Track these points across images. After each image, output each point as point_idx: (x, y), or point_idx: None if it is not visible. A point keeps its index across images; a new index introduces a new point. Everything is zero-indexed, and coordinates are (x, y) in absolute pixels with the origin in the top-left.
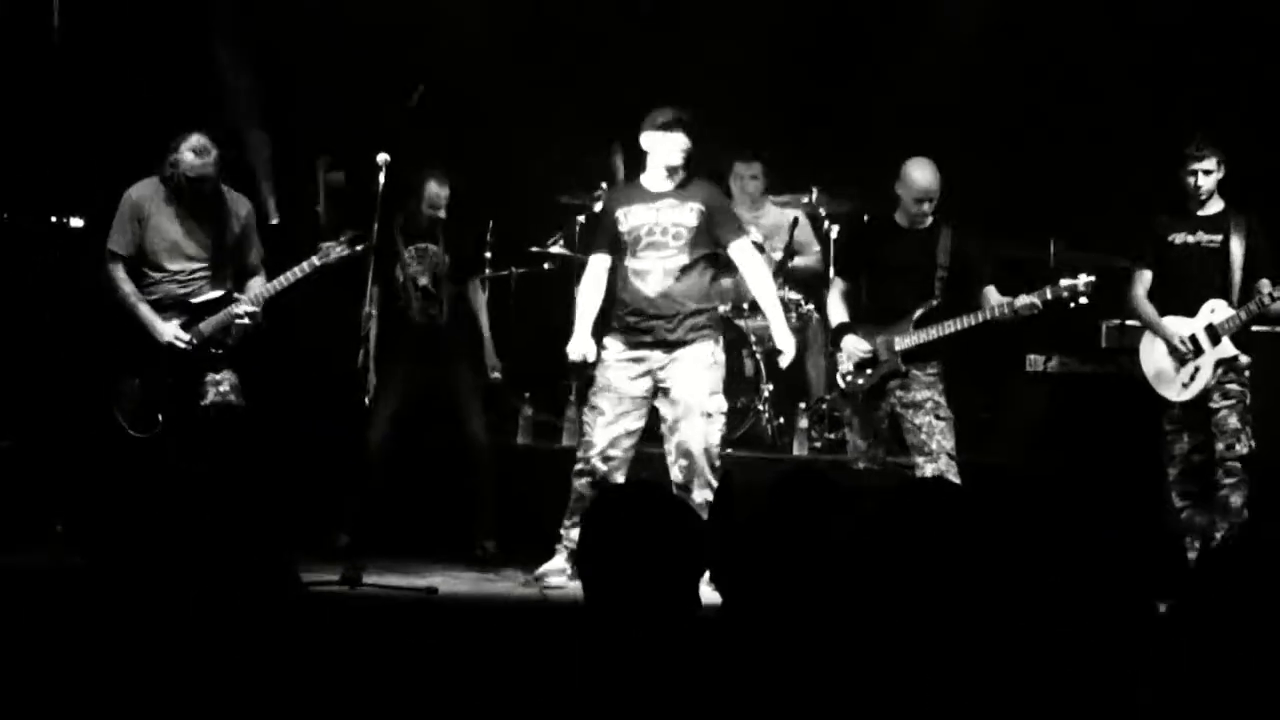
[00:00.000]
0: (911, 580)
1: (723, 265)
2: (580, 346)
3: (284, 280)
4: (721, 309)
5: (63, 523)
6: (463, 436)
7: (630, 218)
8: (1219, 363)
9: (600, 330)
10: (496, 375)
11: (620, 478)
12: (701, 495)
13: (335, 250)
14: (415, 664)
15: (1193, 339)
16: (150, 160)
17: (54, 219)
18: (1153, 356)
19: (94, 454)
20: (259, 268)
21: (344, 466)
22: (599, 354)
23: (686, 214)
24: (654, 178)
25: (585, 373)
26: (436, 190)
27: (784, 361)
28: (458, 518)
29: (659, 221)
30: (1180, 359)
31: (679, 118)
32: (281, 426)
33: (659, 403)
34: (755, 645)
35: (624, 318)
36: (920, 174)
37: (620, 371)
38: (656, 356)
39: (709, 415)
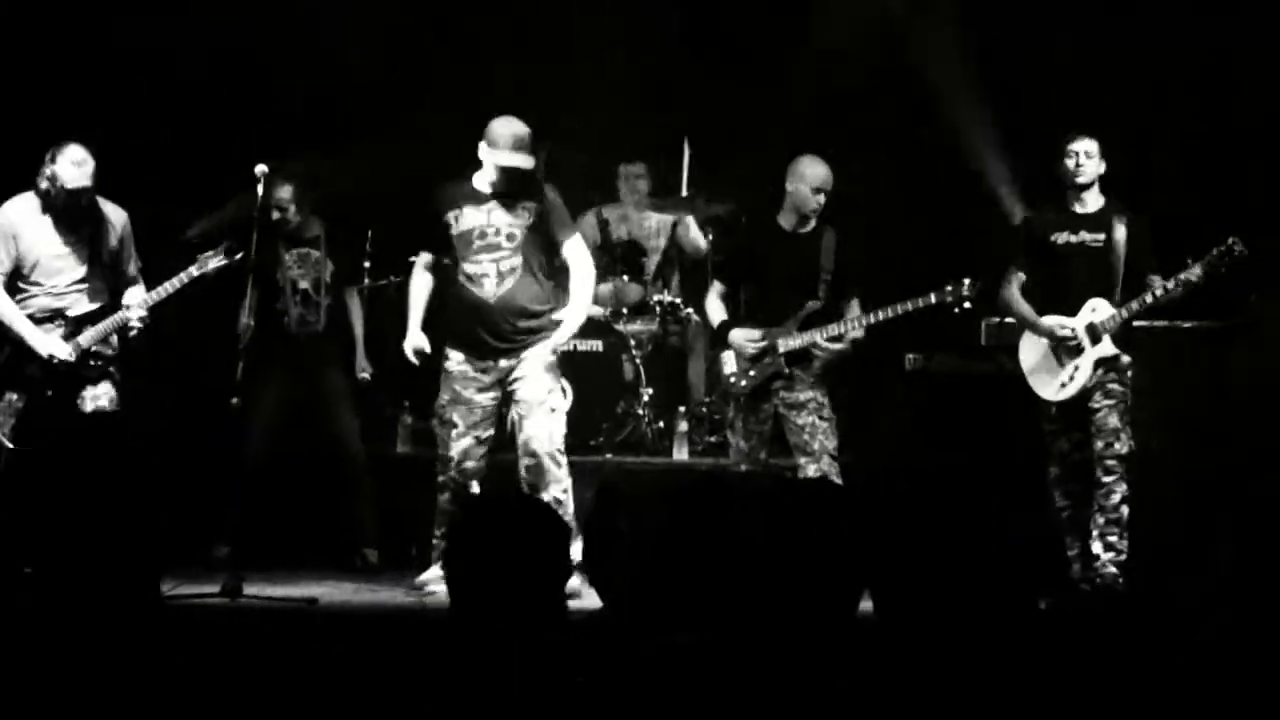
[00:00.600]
0: (798, 581)
1: (601, 271)
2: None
3: (163, 290)
4: (600, 313)
5: None
6: (338, 445)
7: (463, 220)
8: (1099, 362)
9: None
10: (365, 376)
11: (476, 487)
12: (550, 494)
13: (212, 261)
14: (296, 674)
15: (1072, 338)
16: (21, 175)
17: None
18: (1031, 356)
19: None
20: (137, 278)
21: (222, 477)
22: (443, 365)
23: (520, 215)
24: (484, 179)
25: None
26: (274, 192)
27: (556, 338)
28: (338, 527)
29: (491, 223)
30: (1059, 356)
31: (523, 141)
32: (159, 436)
33: (512, 406)
34: (642, 649)
35: (462, 326)
36: (816, 167)
37: (469, 382)
38: (502, 364)
39: (552, 411)
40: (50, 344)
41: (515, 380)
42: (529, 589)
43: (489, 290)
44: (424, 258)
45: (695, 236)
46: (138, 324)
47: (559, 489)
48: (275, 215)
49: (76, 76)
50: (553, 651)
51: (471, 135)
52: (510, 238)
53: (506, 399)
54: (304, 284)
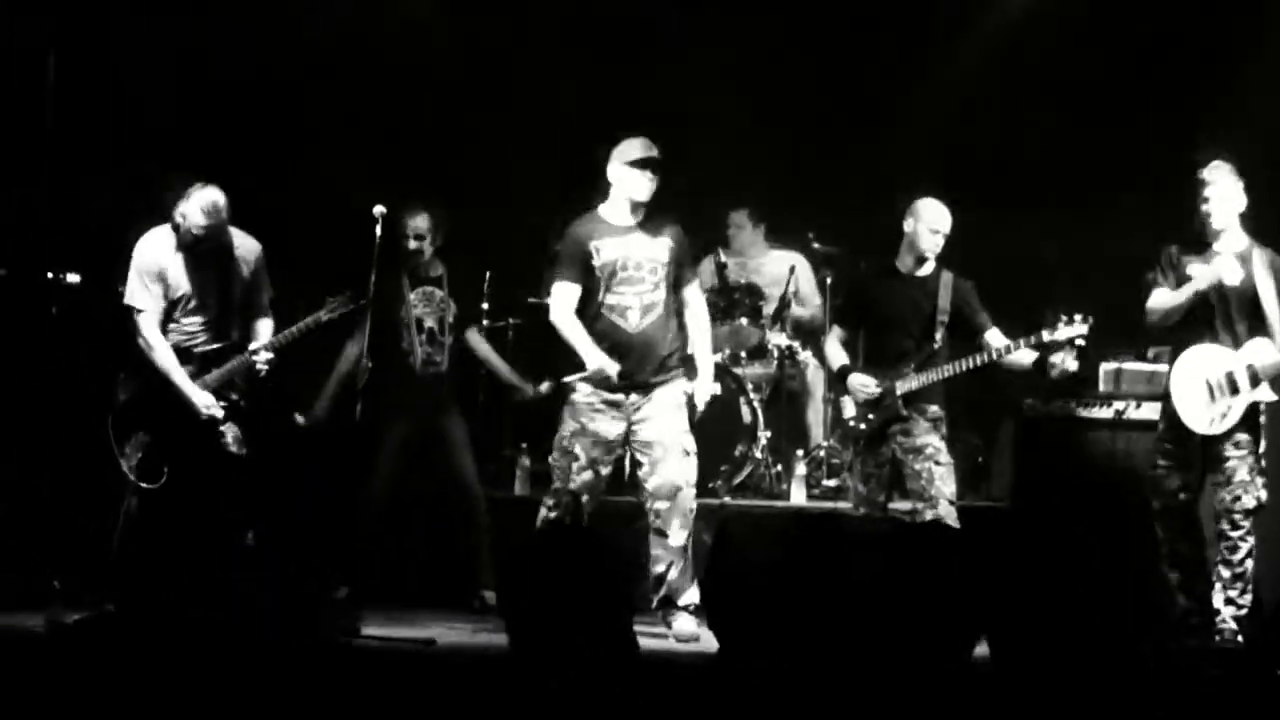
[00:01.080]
0: (912, 624)
1: (718, 314)
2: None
3: (292, 333)
4: (717, 358)
5: (61, 580)
6: (458, 486)
7: (604, 251)
8: (1251, 406)
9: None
10: (544, 387)
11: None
12: (680, 537)
13: (340, 306)
14: (413, 716)
15: (1229, 376)
16: (149, 212)
17: (50, 274)
18: (1186, 382)
19: (95, 508)
20: (267, 309)
21: (343, 517)
22: (569, 397)
23: (659, 249)
24: (618, 211)
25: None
26: (408, 221)
27: (700, 400)
28: (455, 568)
29: (631, 255)
30: (1213, 391)
31: (651, 157)
32: (284, 478)
33: (634, 445)
34: (755, 689)
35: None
36: (935, 208)
37: (596, 414)
38: (633, 398)
39: (685, 453)
40: (203, 398)
41: (642, 420)
42: (591, 624)
43: (633, 323)
44: (570, 289)
45: (809, 293)
46: (264, 366)
47: (687, 534)
48: (412, 245)
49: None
50: (620, 687)
51: (582, 179)
52: (653, 271)
53: (629, 437)
54: (430, 323)
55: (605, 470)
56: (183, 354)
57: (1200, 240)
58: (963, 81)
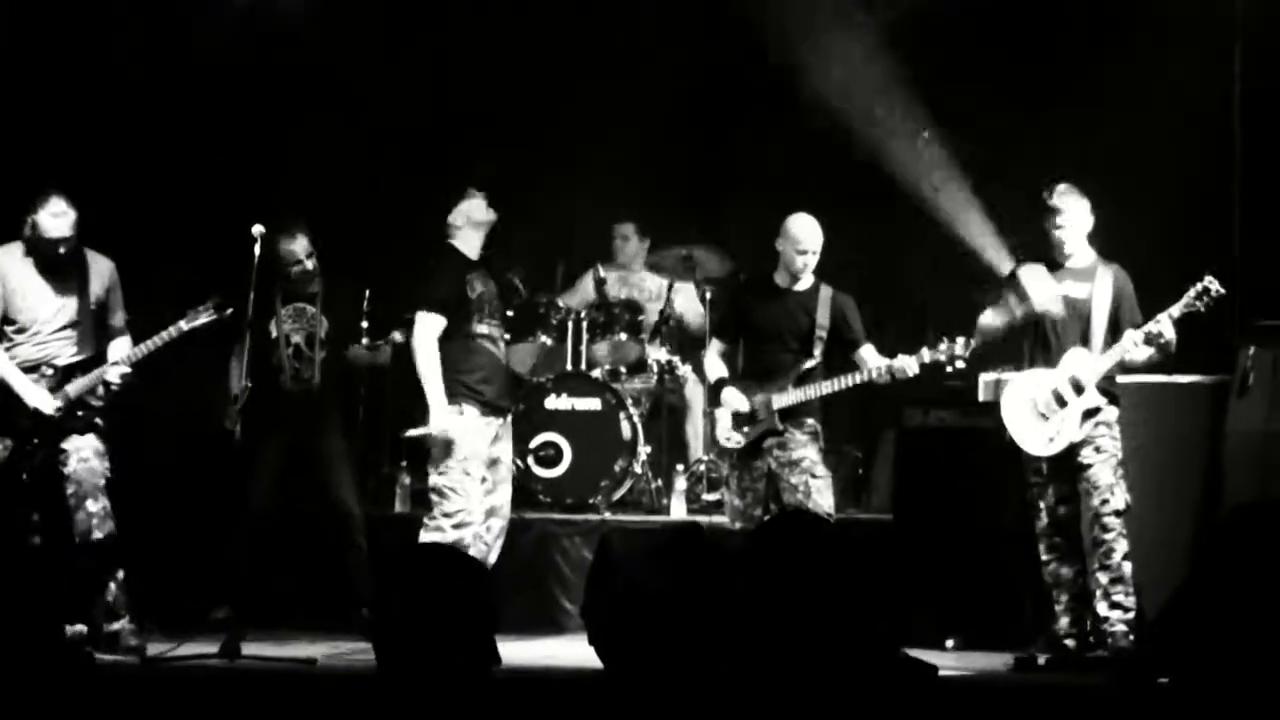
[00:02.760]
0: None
1: (598, 329)
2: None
3: (149, 345)
4: (596, 374)
5: None
6: (334, 505)
7: (476, 284)
8: (1086, 413)
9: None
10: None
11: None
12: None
13: (202, 315)
14: None
15: (1055, 393)
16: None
17: None
18: (1015, 410)
19: None
20: (124, 330)
21: (222, 537)
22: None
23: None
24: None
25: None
26: (287, 246)
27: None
28: (335, 587)
29: (489, 289)
30: (1043, 410)
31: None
32: (156, 494)
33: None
34: (641, 707)
35: (481, 386)
36: (803, 227)
37: (489, 438)
38: (500, 421)
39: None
40: (37, 396)
41: (497, 440)
42: (454, 638)
43: (501, 351)
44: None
45: (692, 310)
46: (118, 380)
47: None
48: (295, 270)
49: (70, 121)
50: (483, 700)
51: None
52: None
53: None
54: (297, 338)
55: (507, 489)
56: (40, 365)
57: (1050, 260)
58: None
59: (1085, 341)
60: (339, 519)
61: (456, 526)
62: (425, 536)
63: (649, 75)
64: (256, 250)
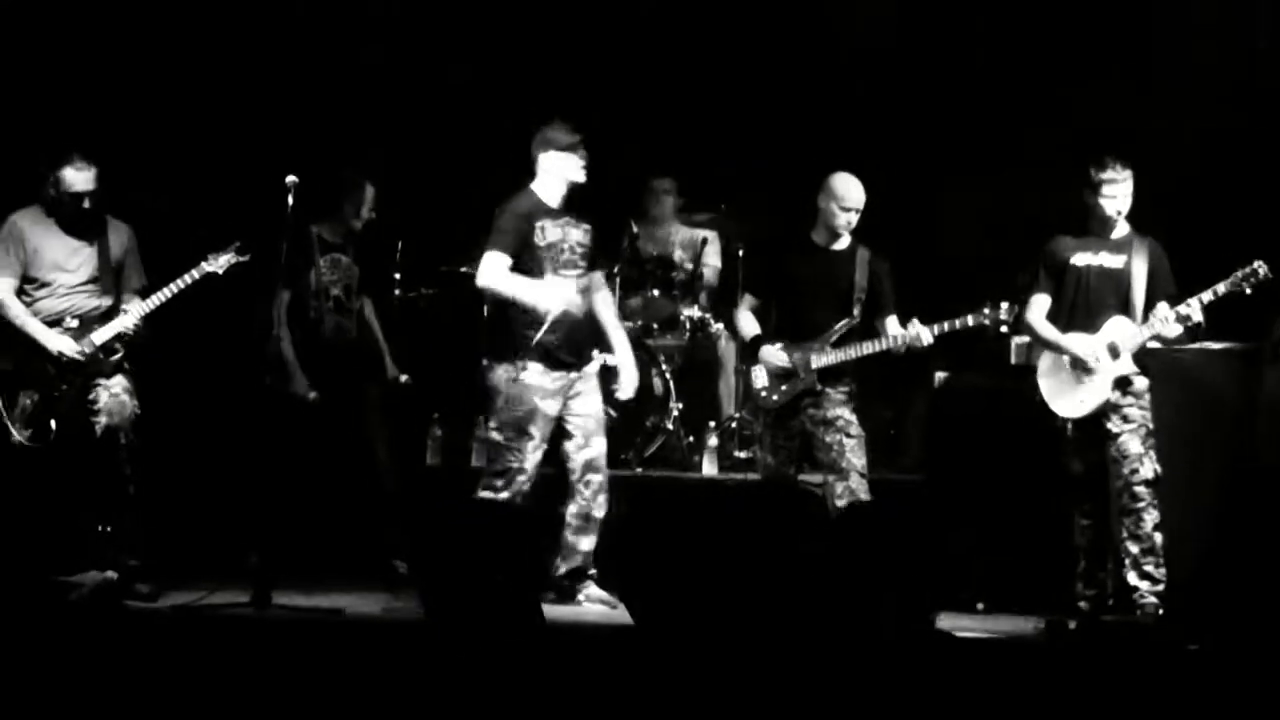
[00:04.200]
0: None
1: (630, 285)
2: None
3: (172, 289)
4: (629, 328)
5: None
6: (367, 457)
7: (547, 233)
8: (1117, 380)
9: (504, 351)
10: (405, 377)
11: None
12: (603, 510)
13: (223, 257)
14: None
15: (1093, 356)
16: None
17: None
18: (1050, 375)
19: None
20: (142, 293)
21: (256, 486)
22: (516, 376)
23: (584, 234)
24: (553, 195)
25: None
26: (372, 194)
27: (623, 394)
28: (367, 538)
29: (566, 239)
30: (1078, 374)
31: (581, 139)
32: (188, 442)
33: (567, 421)
34: (673, 658)
35: (545, 339)
36: (847, 185)
37: (547, 396)
38: (571, 376)
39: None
40: (60, 341)
41: (576, 396)
42: (500, 593)
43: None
44: (504, 260)
45: (712, 266)
46: (133, 327)
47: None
48: (363, 219)
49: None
50: (528, 654)
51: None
52: (584, 255)
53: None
54: (336, 290)
55: (544, 448)
56: (63, 318)
57: (1085, 230)
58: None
59: (1124, 310)
60: (372, 470)
61: (506, 485)
62: (479, 493)
63: (681, 27)
64: (290, 200)
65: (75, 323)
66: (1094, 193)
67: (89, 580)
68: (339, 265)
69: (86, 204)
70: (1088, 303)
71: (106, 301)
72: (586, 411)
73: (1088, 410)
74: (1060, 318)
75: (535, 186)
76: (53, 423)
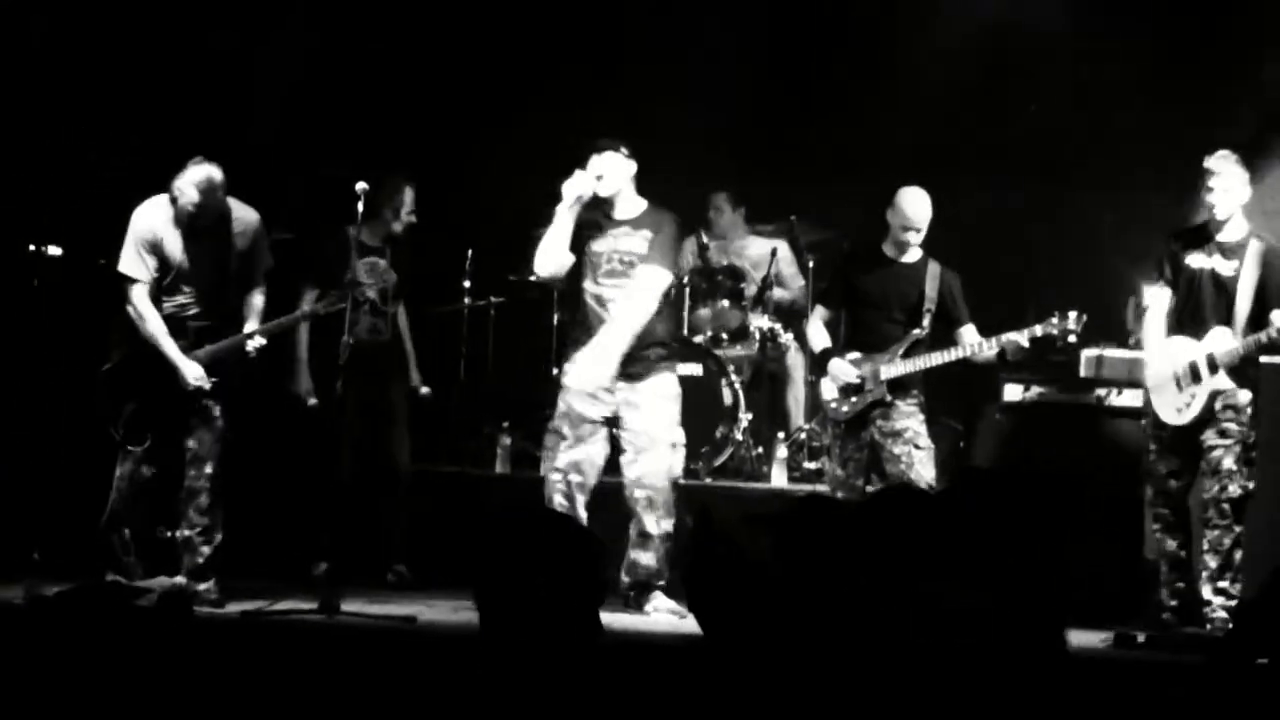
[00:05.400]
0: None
1: (700, 296)
2: None
3: (288, 321)
4: (698, 339)
5: (40, 552)
6: (386, 461)
7: (595, 243)
8: (1214, 394)
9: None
10: (426, 390)
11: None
12: (663, 526)
13: (335, 301)
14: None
15: (1192, 366)
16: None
17: (31, 247)
18: (1157, 373)
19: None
20: (262, 282)
21: (319, 495)
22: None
23: (639, 242)
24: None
25: None
26: (413, 196)
27: (572, 381)
28: (374, 540)
29: (616, 249)
30: (1179, 381)
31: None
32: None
33: (619, 433)
34: (738, 677)
35: (571, 348)
36: (911, 202)
37: (579, 397)
38: (619, 384)
39: (673, 446)
40: (197, 373)
41: (629, 406)
42: (559, 609)
43: (614, 315)
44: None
45: (790, 275)
46: (254, 349)
47: (671, 523)
48: (403, 222)
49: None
50: (585, 673)
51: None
52: (632, 264)
53: (618, 421)
54: (372, 294)
55: (595, 447)
56: (176, 325)
57: (1201, 230)
58: (944, 60)
59: (1228, 320)
60: (388, 475)
61: (546, 486)
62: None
63: (742, 37)
64: (360, 208)
65: (187, 336)
66: (1202, 184)
67: (158, 585)
68: (376, 269)
69: (207, 218)
70: (1197, 308)
71: (217, 314)
72: (637, 426)
73: (1186, 420)
74: (1171, 321)
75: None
76: (149, 435)
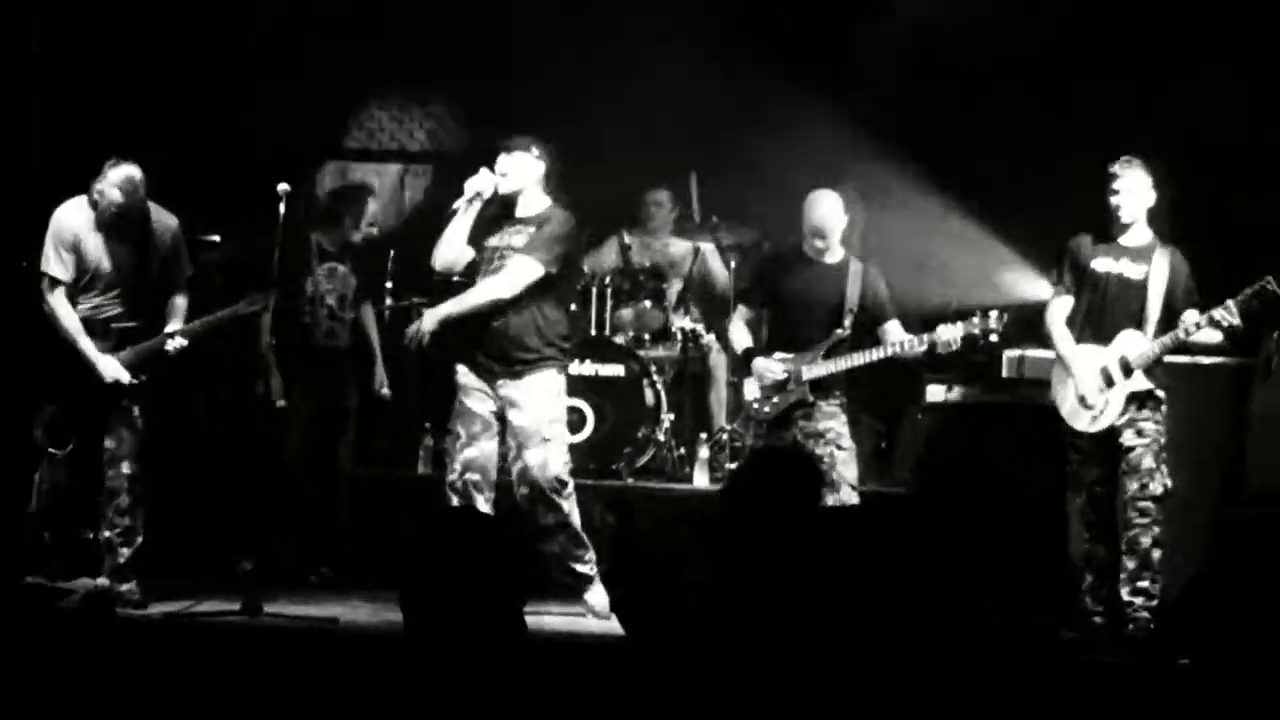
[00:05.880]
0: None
1: (622, 296)
2: None
3: (211, 320)
4: (620, 340)
5: None
6: (331, 463)
7: (491, 239)
8: (1131, 396)
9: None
10: (387, 392)
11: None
12: (553, 518)
13: (258, 303)
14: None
15: (1104, 371)
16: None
17: None
18: (1064, 384)
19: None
20: (184, 287)
21: (251, 492)
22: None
23: (523, 238)
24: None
25: None
26: (375, 209)
27: (419, 328)
28: (308, 540)
29: (502, 244)
30: (1090, 390)
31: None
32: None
33: (504, 429)
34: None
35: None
36: (817, 207)
37: (471, 393)
38: (500, 382)
39: (546, 441)
40: (114, 368)
41: (510, 404)
42: (485, 609)
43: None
44: None
45: (716, 268)
46: (174, 350)
47: (554, 516)
48: (362, 232)
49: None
50: (508, 668)
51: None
52: (503, 257)
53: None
54: (330, 299)
55: (489, 444)
56: (98, 327)
57: (1106, 234)
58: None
59: (1138, 323)
60: (332, 477)
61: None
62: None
63: (679, 31)
64: (281, 209)
65: (109, 337)
66: (1107, 187)
67: (80, 587)
68: (335, 274)
69: (124, 217)
70: (1103, 313)
71: (139, 316)
72: (516, 423)
73: (1101, 427)
74: (1075, 325)
75: None
76: (71, 439)
